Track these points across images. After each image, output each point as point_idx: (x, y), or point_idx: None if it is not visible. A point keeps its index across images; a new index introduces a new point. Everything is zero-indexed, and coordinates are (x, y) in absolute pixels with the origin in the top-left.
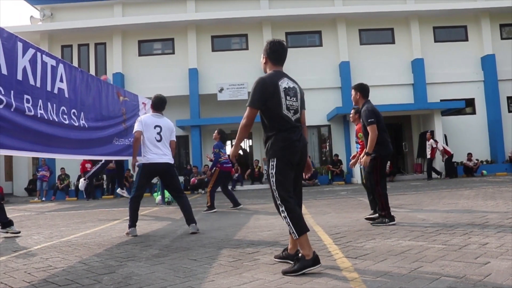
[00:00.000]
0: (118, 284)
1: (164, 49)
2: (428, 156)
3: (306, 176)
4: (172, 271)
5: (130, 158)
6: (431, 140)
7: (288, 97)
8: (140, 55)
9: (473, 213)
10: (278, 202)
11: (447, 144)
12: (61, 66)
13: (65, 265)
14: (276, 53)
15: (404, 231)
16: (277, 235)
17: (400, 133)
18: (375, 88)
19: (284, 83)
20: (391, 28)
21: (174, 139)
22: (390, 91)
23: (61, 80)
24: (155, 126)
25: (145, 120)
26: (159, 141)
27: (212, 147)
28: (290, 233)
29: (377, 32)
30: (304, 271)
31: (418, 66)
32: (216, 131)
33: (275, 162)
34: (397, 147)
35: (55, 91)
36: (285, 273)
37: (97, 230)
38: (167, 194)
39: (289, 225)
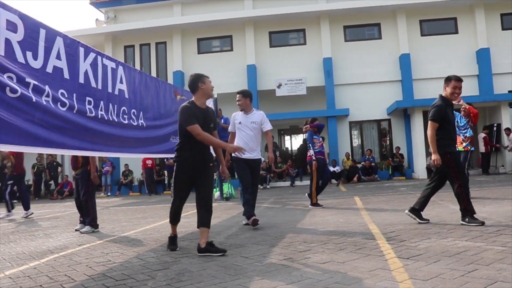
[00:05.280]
0: (170, 281)
1: (222, 46)
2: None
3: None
4: (224, 268)
5: None
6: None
7: None
8: (199, 53)
9: None
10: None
11: None
12: (120, 68)
13: (123, 260)
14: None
15: (462, 231)
16: (331, 233)
17: None
18: (437, 80)
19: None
20: (453, 17)
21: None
22: None
23: (121, 82)
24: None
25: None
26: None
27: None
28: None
29: (439, 22)
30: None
31: (483, 56)
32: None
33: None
34: None
35: (116, 92)
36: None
37: (157, 225)
38: (225, 190)
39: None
